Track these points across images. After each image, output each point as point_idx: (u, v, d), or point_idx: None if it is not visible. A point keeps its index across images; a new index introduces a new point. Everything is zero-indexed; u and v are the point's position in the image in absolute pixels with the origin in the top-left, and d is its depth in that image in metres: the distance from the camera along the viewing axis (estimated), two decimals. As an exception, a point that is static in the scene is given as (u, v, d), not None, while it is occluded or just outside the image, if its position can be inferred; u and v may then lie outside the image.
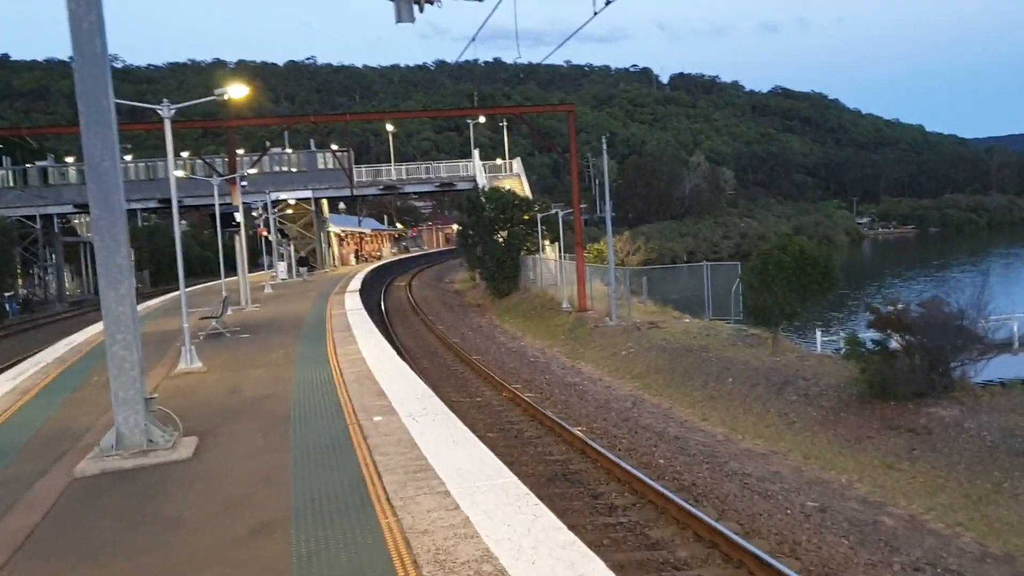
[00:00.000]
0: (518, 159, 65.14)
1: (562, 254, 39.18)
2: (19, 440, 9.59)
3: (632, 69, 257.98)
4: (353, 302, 27.82)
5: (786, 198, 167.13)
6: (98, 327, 16.93)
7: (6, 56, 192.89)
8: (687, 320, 29.66)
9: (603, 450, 13.42)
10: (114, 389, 8.44)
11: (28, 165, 55.09)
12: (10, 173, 54.20)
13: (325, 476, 7.27)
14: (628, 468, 12.35)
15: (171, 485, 7.43)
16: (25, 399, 12.64)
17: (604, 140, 31.77)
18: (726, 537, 9.56)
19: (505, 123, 76.20)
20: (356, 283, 37.40)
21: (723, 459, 14.80)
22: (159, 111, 14.64)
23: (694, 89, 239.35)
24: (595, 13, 15.52)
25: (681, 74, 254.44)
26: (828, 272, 22.97)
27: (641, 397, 20.41)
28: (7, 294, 50.72)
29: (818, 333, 29.05)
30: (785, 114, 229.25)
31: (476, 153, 61.36)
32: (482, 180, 57.15)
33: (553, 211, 43.74)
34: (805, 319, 29.97)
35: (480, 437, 8.52)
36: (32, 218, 53.70)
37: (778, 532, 10.39)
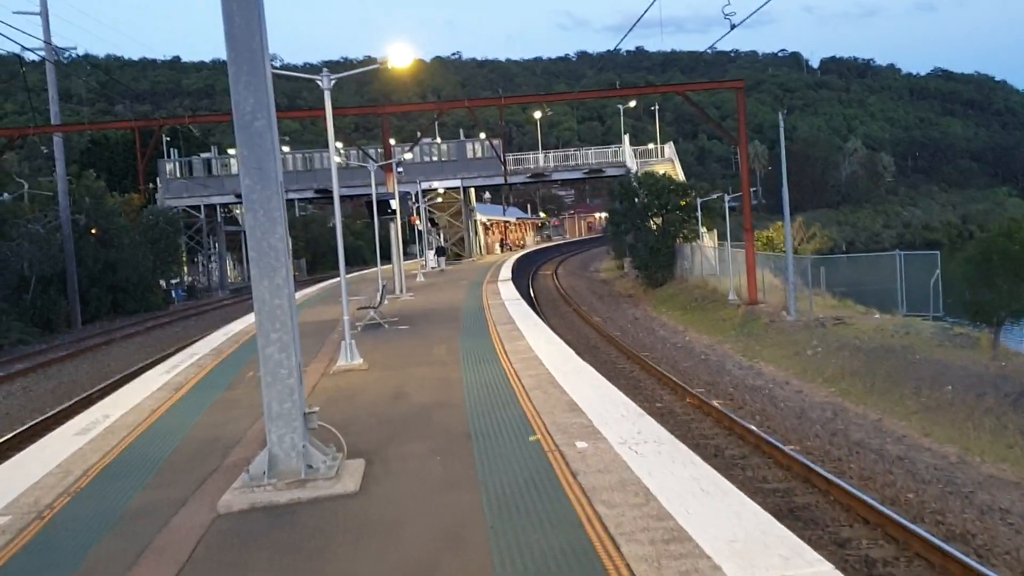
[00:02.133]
0: (670, 143, 62.40)
1: (729, 241, 36.31)
2: (161, 454, 8.23)
3: (780, 54, 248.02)
4: (508, 291, 26.31)
5: (950, 185, 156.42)
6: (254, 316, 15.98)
7: (177, 58, 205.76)
8: (877, 316, 26.49)
9: (835, 478, 10.88)
10: (267, 401, 6.84)
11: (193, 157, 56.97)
12: (176, 164, 56.16)
13: (535, 534, 5.35)
14: (876, 505, 9.79)
15: (334, 534, 5.70)
16: (176, 397, 11.55)
17: (781, 115, 28.61)
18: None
19: (657, 107, 73.30)
20: (506, 271, 36.05)
21: (966, 488, 12.13)
22: (318, 81, 13.43)
23: (847, 73, 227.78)
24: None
25: (833, 58, 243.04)
26: (1066, 263, 19.67)
27: (841, 405, 17.68)
28: (173, 281, 52.51)
29: (1029, 332, 25.32)
30: (946, 97, 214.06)
31: (627, 138, 59.18)
32: (633, 165, 55.00)
33: (716, 195, 40.76)
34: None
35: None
36: (197, 208, 55.44)
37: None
